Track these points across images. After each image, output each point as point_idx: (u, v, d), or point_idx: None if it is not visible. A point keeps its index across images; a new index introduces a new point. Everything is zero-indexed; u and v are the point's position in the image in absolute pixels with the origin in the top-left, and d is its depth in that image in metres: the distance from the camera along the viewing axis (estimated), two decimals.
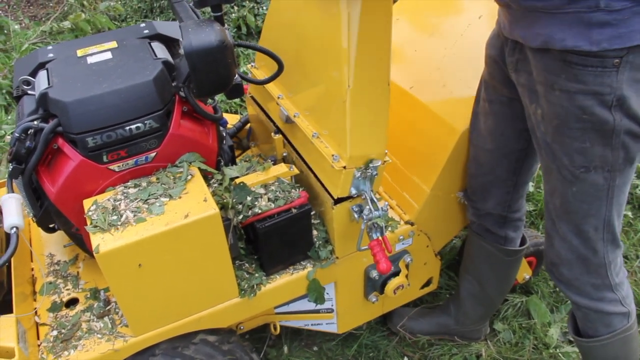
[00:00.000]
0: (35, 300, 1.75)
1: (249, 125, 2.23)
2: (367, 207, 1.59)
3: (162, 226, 1.40)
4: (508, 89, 1.59)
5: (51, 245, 1.94)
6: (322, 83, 1.60)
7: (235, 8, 4.33)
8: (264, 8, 4.42)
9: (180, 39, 1.71)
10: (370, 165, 1.57)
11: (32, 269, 1.86)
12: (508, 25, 1.44)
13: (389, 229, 1.83)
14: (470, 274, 2.08)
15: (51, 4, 5.38)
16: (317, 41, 1.58)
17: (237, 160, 1.98)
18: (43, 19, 5.10)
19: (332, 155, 1.55)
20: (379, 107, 1.53)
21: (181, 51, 1.71)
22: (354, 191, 1.59)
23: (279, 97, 1.80)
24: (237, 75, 1.53)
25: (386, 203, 1.64)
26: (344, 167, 1.53)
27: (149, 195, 1.49)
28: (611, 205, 1.46)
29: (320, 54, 1.57)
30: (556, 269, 1.64)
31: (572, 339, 1.77)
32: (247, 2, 4.44)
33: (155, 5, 4.70)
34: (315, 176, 1.69)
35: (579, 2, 1.19)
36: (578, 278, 1.59)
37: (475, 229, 1.97)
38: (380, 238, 1.62)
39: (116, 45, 1.66)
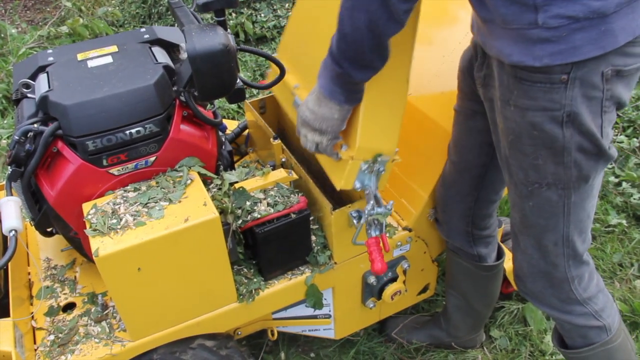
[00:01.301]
0: (32, 304, 1.75)
1: (247, 131, 2.23)
2: (371, 202, 1.56)
3: (162, 230, 1.41)
4: (473, 102, 1.60)
5: (48, 249, 1.93)
6: None
7: (234, 15, 4.35)
8: (262, 15, 4.43)
9: (181, 44, 1.73)
10: (379, 159, 1.51)
11: (29, 273, 1.85)
12: (476, 31, 1.46)
13: (387, 234, 1.83)
14: (453, 289, 2.07)
15: (48, 9, 5.38)
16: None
17: (236, 166, 1.98)
18: (40, 23, 5.10)
19: (341, 145, 1.52)
20: (395, 102, 1.50)
21: (182, 56, 1.72)
22: (357, 185, 1.54)
23: (295, 87, 1.75)
24: (238, 80, 1.54)
25: (392, 202, 1.61)
26: (352, 158, 1.48)
27: (149, 199, 1.49)
28: (569, 222, 1.44)
29: None
30: (521, 282, 1.63)
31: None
32: (245, 9, 4.45)
33: (153, 11, 4.70)
34: (315, 181, 1.70)
35: (519, 19, 1.19)
36: (542, 291, 1.59)
37: (450, 246, 1.96)
38: (378, 236, 1.59)
39: (117, 50, 1.67)
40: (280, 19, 4.38)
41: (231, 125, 2.25)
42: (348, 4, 1.21)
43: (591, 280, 1.59)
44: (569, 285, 1.55)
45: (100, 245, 1.38)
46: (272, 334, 1.95)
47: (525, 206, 1.46)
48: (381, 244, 1.59)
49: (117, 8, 4.87)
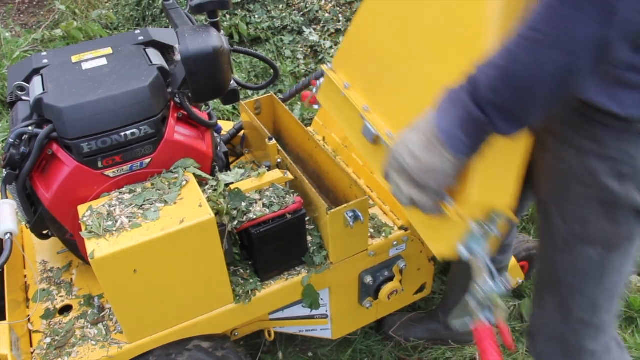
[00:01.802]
0: (28, 307, 1.74)
1: (242, 132, 2.24)
2: (482, 277, 1.18)
3: (158, 231, 1.41)
4: None
5: (44, 252, 1.93)
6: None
7: (228, 16, 4.35)
8: (256, 17, 4.43)
9: (175, 46, 1.73)
10: (492, 217, 1.17)
11: (25, 276, 1.85)
12: None
13: (383, 234, 1.84)
14: (457, 284, 2.05)
15: (42, 12, 5.37)
16: (440, 41, 1.22)
17: (231, 167, 1.99)
18: (34, 27, 5.09)
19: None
20: (516, 143, 1.14)
21: (176, 57, 1.72)
22: (463, 251, 1.19)
23: (364, 109, 1.46)
24: (233, 81, 1.54)
25: (506, 274, 1.38)
26: (460, 216, 1.15)
27: (144, 201, 1.49)
28: (602, 285, 1.25)
29: (446, 57, 1.21)
30: (532, 340, 1.47)
31: None
32: (240, 10, 4.45)
33: (147, 13, 4.70)
34: (311, 181, 1.70)
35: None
36: (551, 357, 1.43)
37: None
38: (491, 324, 1.24)
39: (111, 52, 1.67)
40: (275, 20, 4.39)
41: (226, 127, 2.26)
42: (533, 36, 0.92)
43: (608, 354, 1.38)
44: (583, 359, 1.37)
45: (96, 248, 1.38)
46: (270, 335, 1.95)
47: (557, 259, 1.29)
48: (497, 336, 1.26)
49: (111, 11, 4.87)
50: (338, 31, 4.30)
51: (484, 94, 0.99)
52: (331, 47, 4.11)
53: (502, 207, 1.17)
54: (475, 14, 1.11)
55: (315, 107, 1.80)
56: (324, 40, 4.20)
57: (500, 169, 1.16)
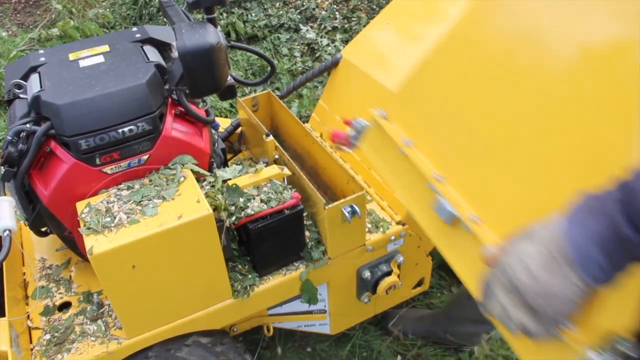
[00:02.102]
0: (27, 304, 1.75)
1: (240, 129, 2.24)
2: None
3: (156, 227, 1.41)
4: None
5: (43, 249, 1.94)
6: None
7: (225, 15, 4.35)
8: (253, 15, 4.44)
9: (173, 43, 1.73)
10: (617, 343, 0.87)
11: (24, 274, 1.85)
12: None
13: (381, 229, 1.85)
14: (465, 304, 2.00)
15: (38, 12, 5.37)
16: (579, 124, 0.93)
17: (229, 163, 1.99)
18: (30, 26, 5.09)
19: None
20: None
21: (173, 55, 1.73)
22: None
23: (437, 179, 1.17)
24: (230, 77, 1.54)
25: None
26: (582, 345, 0.90)
27: (142, 197, 1.49)
28: None
29: (584, 149, 0.91)
30: None
31: None
32: (237, 8, 4.46)
33: (144, 12, 4.70)
34: (308, 177, 1.71)
35: None
36: None
37: None
38: None
39: (108, 49, 1.67)
40: (271, 17, 4.39)
41: (224, 124, 2.26)
42: None
43: None
44: None
45: (94, 244, 1.38)
46: (268, 330, 1.96)
47: None
48: None
49: (108, 10, 4.87)
50: (335, 29, 4.31)
51: (634, 206, 0.77)
52: (328, 45, 4.12)
53: (624, 329, 0.87)
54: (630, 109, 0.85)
55: (346, 149, 1.55)
56: (321, 37, 4.21)
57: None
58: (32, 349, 1.59)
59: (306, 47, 4.21)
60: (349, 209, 1.64)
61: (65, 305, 1.73)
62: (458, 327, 2.12)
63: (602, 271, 0.82)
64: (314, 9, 4.41)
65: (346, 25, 4.29)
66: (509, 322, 0.93)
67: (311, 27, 4.34)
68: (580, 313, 0.90)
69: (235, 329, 1.88)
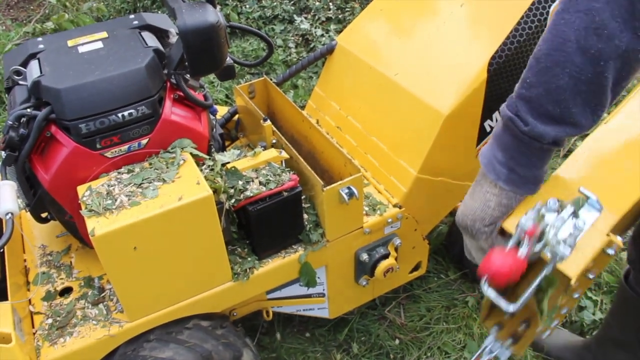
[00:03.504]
0: (28, 290, 1.76)
1: (237, 116, 2.26)
2: None
3: (157, 209, 1.43)
4: None
5: (43, 236, 1.95)
6: None
7: (219, 7, 4.35)
8: (247, 6, 4.45)
9: (170, 29, 1.75)
10: None
11: (25, 260, 1.87)
12: None
13: (378, 212, 1.87)
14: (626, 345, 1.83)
15: (32, 7, 5.36)
16: None
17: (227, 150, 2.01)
18: (24, 21, 5.08)
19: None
20: None
21: (171, 41, 1.74)
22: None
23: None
24: (228, 58, 1.56)
25: None
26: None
27: (143, 180, 1.51)
28: None
29: None
30: None
31: None
32: (231, 0, 4.47)
33: (138, 5, 4.70)
34: (306, 161, 1.73)
35: None
36: None
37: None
38: None
39: (107, 36, 1.68)
40: (265, 9, 4.40)
41: (221, 112, 2.27)
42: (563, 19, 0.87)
43: None
44: None
45: (96, 225, 1.40)
46: (268, 315, 1.98)
47: None
48: None
49: (102, 3, 4.87)
50: (329, 19, 4.33)
51: (517, 92, 0.93)
52: (322, 35, 4.14)
53: None
54: None
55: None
56: (315, 28, 4.22)
57: None
58: (34, 333, 1.61)
59: (300, 38, 4.22)
60: (347, 190, 1.66)
61: (67, 291, 1.75)
62: (608, 357, 1.98)
63: (501, 164, 0.93)
64: (307, 0, 4.43)
65: (340, 16, 4.30)
66: (467, 254, 1.09)
67: (305, 18, 4.35)
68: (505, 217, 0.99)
69: (235, 314, 1.90)
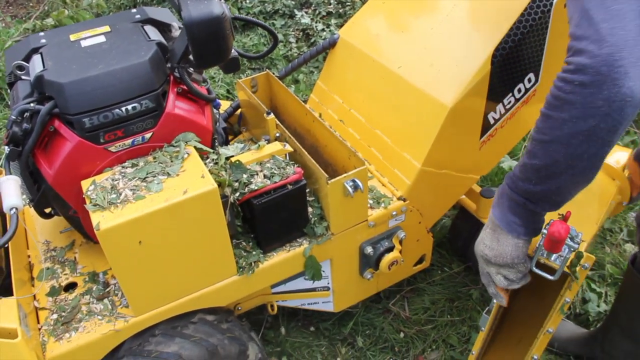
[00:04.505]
0: (33, 286, 1.76)
1: (239, 110, 2.25)
2: None
3: (162, 202, 1.42)
4: None
5: (47, 232, 1.95)
6: None
7: (225, 4, 4.35)
8: (247, 1, 4.43)
9: (172, 23, 1.75)
10: None
11: (29, 256, 1.86)
12: None
13: (382, 205, 1.86)
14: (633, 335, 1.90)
15: (31, 4, 5.34)
16: None
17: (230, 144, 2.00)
18: (24, 18, 5.07)
19: None
20: None
21: (173, 34, 1.74)
22: None
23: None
24: (233, 50, 1.56)
25: None
26: None
27: (147, 174, 1.51)
28: None
29: None
30: None
31: None
32: None
33: (138, 0, 4.69)
34: (310, 154, 1.72)
35: None
36: None
37: None
38: None
39: (109, 30, 1.68)
40: (266, 4, 4.39)
41: (223, 106, 2.27)
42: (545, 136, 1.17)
43: None
44: None
45: (101, 220, 1.39)
46: (272, 309, 1.98)
47: None
48: None
49: None
50: (329, 14, 4.32)
51: (518, 183, 1.28)
52: (323, 30, 4.13)
53: None
54: None
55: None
56: (316, 23, 4.21)
57: None
58: (40, 329, 1.61)
59: (301, 33, 4.21)
60: (351, 183, 1.65)
61: (71, 286, 1.75)
62: (615, 346, 2.00)
63: (520, 226, 1.33)
64: None
65: (340, 10, 4.29)
66: (498, 280, 1.43)
67: (306, 12, 4.34)
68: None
69: (239, 308, 1.90)
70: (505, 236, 1.35)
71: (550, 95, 1.15)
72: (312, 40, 4.11)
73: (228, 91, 3.71)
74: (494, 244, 1.37)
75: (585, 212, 2.02)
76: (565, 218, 1.39)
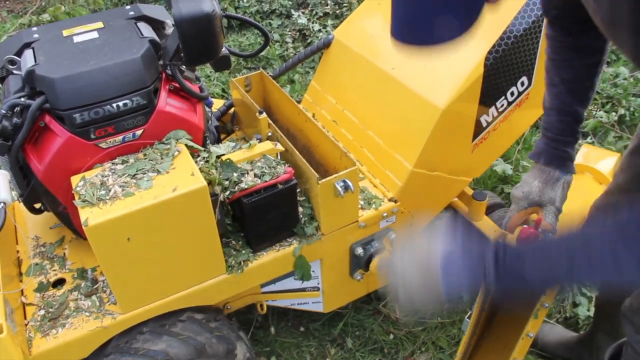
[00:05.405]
0: (21, 281, 1.75)
1: (232, 109, 2.25)
2: None
3: (151, 199, 1.42)
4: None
5: (37, 228, 1.94)
6: None
7: (216, 1, 4.35)
8: (244, 1, 4.43)
9: (166, 21, 1.74)
10: None
11: (18, 252, 1.86)
12: None
13: (373, 206, 1.86)
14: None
15: None
16: None
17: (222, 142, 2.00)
18: (20, 13, 5.06)
19: None
20: None
21: (167, 32, 1.73)
22: None
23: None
24: (224, 48, 1.56)
25: None
26: None
27: (137, 171, 1.50)
28: None
29: None
30: None
31: None
32: None
33: None
34: (301, 154, 1.72)
35: None
36: None
37: None
38: None
39: (102, 26, 1.67)
40: (263, 3, 4.39)
41: (217, 105, 2.27)
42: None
43: None
44: None
45: (89, 216, 1.39)
46: (262, 308, 1.97)
47: None
48: None
49: None
50: (326, 14, 4.32)
51: (497, 280, 1.08)
52: (319, 30, 4.13)
53: None
54: None
55: None
56: (313, 23, 4.21)
57: None
58: (26, 325, 1.60)
59: (298, 33, 4.21)
60: (342, 183, 1.65)
61: (60, 282, 1.74)
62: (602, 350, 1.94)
63: (462, 297, 1.30)
64: None
65: (337, 11, 4.30)
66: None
67: (302, 12, 4.35)
68: None
69: (229, 307, 1.90)
70: (440, 296, 1.16)
71: None
72: (308, 41, 4.11)
73: (223, 90, 3.70)
74: (417, 295, 1.17)
75: (569, 216, 2.02)
76: (536, 225, 1.36)
